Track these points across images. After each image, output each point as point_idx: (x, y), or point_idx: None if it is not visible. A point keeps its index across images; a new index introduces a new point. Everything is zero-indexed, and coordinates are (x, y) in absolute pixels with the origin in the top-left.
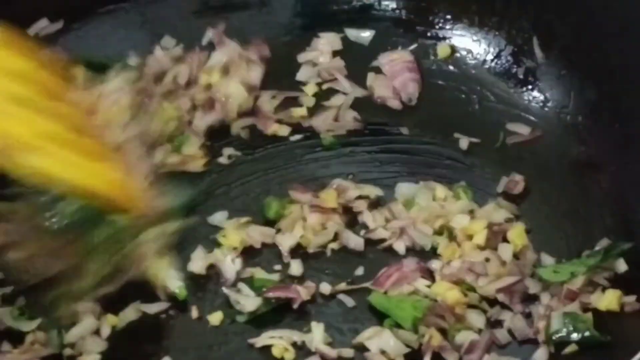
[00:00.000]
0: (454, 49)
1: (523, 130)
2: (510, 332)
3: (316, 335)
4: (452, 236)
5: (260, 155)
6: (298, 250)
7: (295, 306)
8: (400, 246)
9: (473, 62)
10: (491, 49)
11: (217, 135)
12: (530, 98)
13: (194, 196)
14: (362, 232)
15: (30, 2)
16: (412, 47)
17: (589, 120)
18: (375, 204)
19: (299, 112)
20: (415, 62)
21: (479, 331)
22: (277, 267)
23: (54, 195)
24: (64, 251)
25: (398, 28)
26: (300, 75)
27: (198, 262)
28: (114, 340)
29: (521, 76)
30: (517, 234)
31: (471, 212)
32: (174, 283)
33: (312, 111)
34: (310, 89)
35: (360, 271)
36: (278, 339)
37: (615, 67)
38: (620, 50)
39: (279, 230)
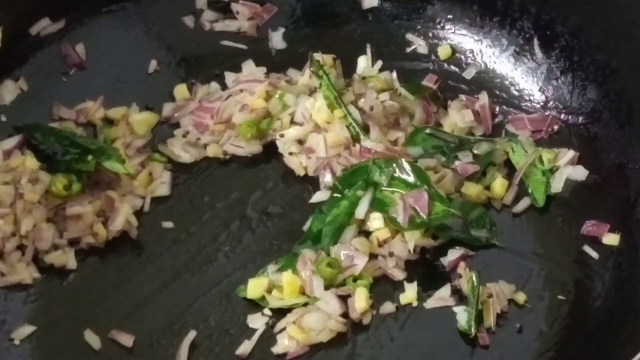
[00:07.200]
0: (454, 49)
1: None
2: None
3: None
4: None
5: None
6: None
7: None
8: None
9: (474, 62)
10: (492, 50)
11: None
12: (531, 98)
13: None
14: None
15: (32, 1)
16: (412, 48)
17: (589, 120)
18: None
19: None
20: None
21: None
22: None
23: None
24: None
25: (399, 29)
26: None
27: None
28: None
29: (522, 76)
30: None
31: None
32: None
33: None
34: None
35: None
36: None
37: (616, 67)
38: (620, 49)
39: None
